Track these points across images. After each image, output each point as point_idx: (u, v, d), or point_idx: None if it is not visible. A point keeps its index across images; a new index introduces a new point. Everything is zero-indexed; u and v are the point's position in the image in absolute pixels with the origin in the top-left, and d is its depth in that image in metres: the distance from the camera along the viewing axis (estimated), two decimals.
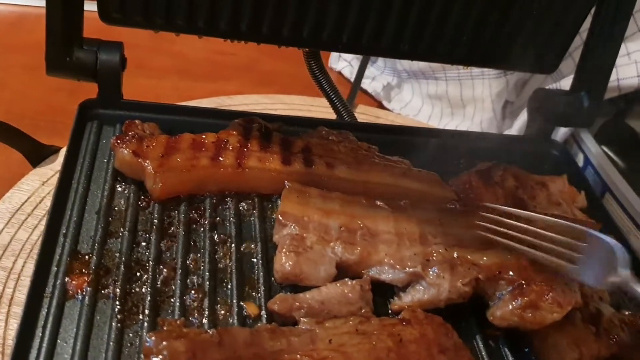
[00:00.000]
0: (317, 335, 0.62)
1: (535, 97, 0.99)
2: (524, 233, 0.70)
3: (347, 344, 0.62)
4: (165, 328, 0.59)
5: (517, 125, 1.17)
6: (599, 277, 0.64)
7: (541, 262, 0.68)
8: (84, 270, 0.67)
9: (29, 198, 0.91)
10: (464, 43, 0.89)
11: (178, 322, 0.60)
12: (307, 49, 0.95)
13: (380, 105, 1.36)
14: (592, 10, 0.91)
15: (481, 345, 0.70)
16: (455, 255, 0.71)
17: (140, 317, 0.64)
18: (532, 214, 0.72)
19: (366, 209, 0.76)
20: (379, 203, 0.77)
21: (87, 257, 0.68)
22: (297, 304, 0.65)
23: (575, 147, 1.21)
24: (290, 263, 0.67)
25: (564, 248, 0.67)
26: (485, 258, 0.72)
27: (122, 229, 0.72)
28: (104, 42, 0.83)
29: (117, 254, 0.69)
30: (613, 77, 1.11)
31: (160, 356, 0.55)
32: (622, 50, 1.14)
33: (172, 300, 0.66)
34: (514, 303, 0.68)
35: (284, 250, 0.68)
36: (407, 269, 0.69)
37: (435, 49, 0.90)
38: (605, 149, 1.19)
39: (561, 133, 1.18)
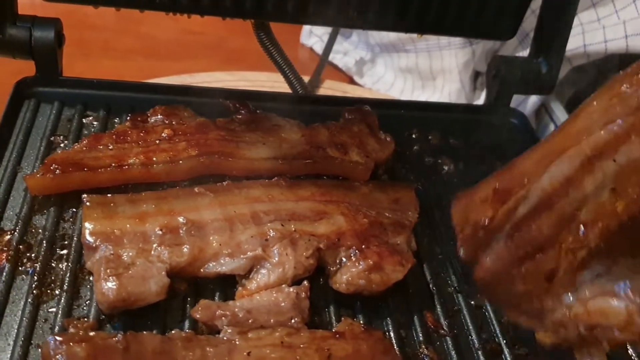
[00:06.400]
0: (235, 347, 0.58)
1: (492, 64, 0.96)
2: None
3: (267, 357, 0.58)
4: (71, 330, 0.58)
5: (485, 96, 1.14)
6: None
7: None
8: (4, 247, 0.66)
9: None
10: (413, 10, 0.87)
11: (86, 324, 0.59)
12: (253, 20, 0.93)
13: (352, 81, 1.34)
14: None
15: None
16: (293, 228, 0.68)
17: (58, 292, 0.63)
18: None
19: (185, 199, 0.70)
20: (197, 190, 0.71)
21: (9, 233, 0.67)
22: (220, 311, 0.62)
23: (546, 117, 1.18)
24: (113, 289, 0.60)
25: None
26: (322, 227, 0.70)
27: (48, 206, 0.71)
28: (38, 19, 0.81)
29: (41, 230, 0.68)
30: (580, 42, 1.08)
31: None
32: (592, 15, 1.11)
33: (91, 277, 0.65)
34: (358, 267, 0.66)
35: (102, 276, 0.60)
36: (248, 253, 0.66)
37: (384, 17, 0.88)
38: None
39: (531, 103, 1.15)
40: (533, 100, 1.14)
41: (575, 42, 1.05)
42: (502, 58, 0.95)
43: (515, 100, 1.02)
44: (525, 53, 1.13)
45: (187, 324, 0.63)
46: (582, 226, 0.49)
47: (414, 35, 1.22)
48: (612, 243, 0.49)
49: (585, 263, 0.50)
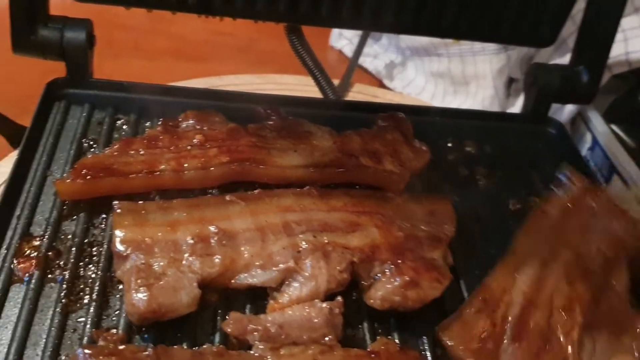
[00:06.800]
0: None
1: (530, 71, 0.93)
2: None
3: None
4: (100, 342, 0.57)
5: (520, 103, 1.11)
6: None
7: None
8: (33, 253, 0.65)
9: (4, 181, 0.90)
10: (448, 14, 0.84)
11: (115, 336, 0.57)
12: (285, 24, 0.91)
13: (382, 85, 1.31)
14: None
15: None
16: (325, 240, 0.66)
17: (87, 301, 0.62)
18: None
19: (216, 207, 0.68)
20: (228, 198, 0.70)
21: (38, 239, 0.66)
22: (252, 326, 0.60)
23: (583, 126, 1.15)
24: (144, 300, 0.58)
25: None
26: (355, 240, 0.67)
27: (78, 212, 0.70)
28: (70, 20, 0.80)
29: (71, 237, 0.67)
30: (621, 50, 1.05)
31: None
32: (635, 21, 1.08)
33: (121, 286, 0.63)
34: (393, 282, 0.64)
35: (132, 286, 0.59)
36: (279, 265, 0.64)
37: (421, 21, 0.86)
38: (615, 128, 1.12)
39: (567, 111, 1.12)
40: (569, 108, 1.11)
41: (616, 50, 1.02)
42: (540, 66, 0.93)
43: (551, 108, 1.00)
44: (561, 60, 1.11)
45: (217, 337, 0.61)
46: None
47: (447, 40, 1.19)
48: (593, 319, 0.65)
49: (582, 340, 0.64)
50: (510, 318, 0.64)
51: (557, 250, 0.71)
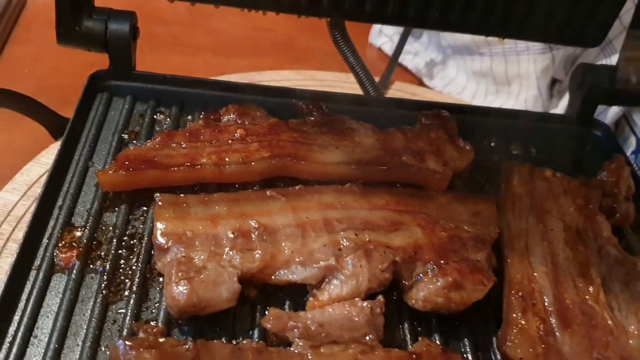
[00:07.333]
0: None
1: (577, 72, 0.91)
2: None
3: None
4: (141, 335, 0.56)
5: (563, 104, 1.09)
6: None
7: None
8: (75, 244, 0.65)
9: (46, 171, 0.90)
10: (496, 12, 0.82)
11: (155, 329, 0.57)
12: (328, 19, 0.90)
13: (421, 83, 1.29)
14: None
15: None
16: (367, 239, 0.65)
17: (127, 293, 0.62)
18: None
19: (257, 203, 0.67)
20: (269, 193, 0.69)
21: (80, 230, 0.66)
22: (292, 323, 0.59)
23: (627, 129, 1.12)
24: (184, 293, 0.58)
25: None
26: (398, 239, 0.66)
27: (119, 203, 0.70)
28: (114, 12, 0.81)
29: (112, 228, 0.67)
30: None
31: None
32: None
33: (161, 278, 0.63)
34: (436, 284, 0.63)
35: (172, 279, 0.59)
36: (320, 263, 0.63)
37: (467, 19, 0.84)
38: None
39: (611, 113, 1.09)
40: (614, 110, 1.08)
41: None
42: (588, 66, 0.90)
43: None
44: (607, 60, 1.08)
45: (256, 332, 0.61)
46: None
47: (490, 38, 1.17)
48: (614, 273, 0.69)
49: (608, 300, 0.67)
50: (550, 307, 0.64)
51: (543, 221, 0.72)
